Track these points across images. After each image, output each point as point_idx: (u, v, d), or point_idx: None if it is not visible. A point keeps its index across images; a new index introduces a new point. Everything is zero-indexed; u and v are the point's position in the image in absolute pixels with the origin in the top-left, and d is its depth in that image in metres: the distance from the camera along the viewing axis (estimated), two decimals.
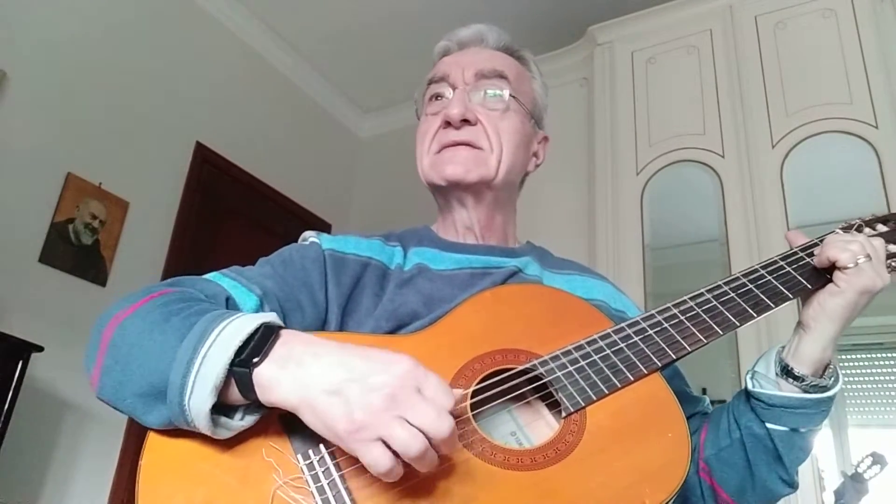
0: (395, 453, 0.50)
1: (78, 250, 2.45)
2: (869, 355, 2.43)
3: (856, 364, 2.41)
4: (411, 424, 0.50)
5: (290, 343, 0.56)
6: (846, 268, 0.70)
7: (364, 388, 0.51)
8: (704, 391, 2.01)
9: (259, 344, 0.55)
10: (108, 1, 2.68)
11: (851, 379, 2.39)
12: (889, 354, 2.39)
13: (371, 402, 0.51)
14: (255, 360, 0.54)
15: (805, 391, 0.71)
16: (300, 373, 0.53)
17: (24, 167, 2.34)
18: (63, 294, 2.37)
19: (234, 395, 0.55)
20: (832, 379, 0.72)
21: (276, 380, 0.53)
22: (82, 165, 2.50)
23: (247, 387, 0.54)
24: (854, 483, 1.82)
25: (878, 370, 2.39)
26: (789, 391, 0.71)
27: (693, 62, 2.44)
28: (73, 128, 2.50)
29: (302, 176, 3.53)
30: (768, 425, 0.71)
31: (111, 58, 2.67)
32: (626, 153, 2.44)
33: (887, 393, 2.35)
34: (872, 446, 1.95)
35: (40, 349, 1.98)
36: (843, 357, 2.42)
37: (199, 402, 0.53)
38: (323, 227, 3.66)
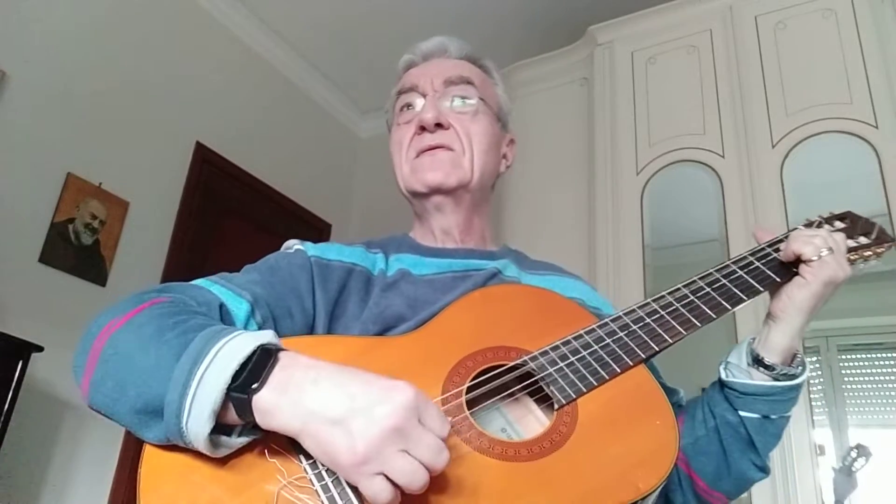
0: (394, 484, 0.50)
1: (78, 250, 2.45)
2: (869, 355, 2.43)
3: (856, 364, 2.41)
4: (413, 457, 0.50)
5: (289, 368, 0.55)
6: (811, 260, 0.74)
7: (368, 420, 0.50)
8: (703, 390, 2.01)
9: (256, 368, 0.54)
10: (108, 1, 2.69)
11: (851, 379, 2.39)
12: (889, 354, 2.39)
13: (374, 435, 0.50)
14: (254, 386, 0.53)
15: (775, 379, 0.75)
16: (301, 399, 0.53)
17: (24, 167, 2.34)
18: (63, 294, 2.37)
19: (232, 416, 0.54)
20: (800, 368, 0.76)
21: (276, 406, 0.53)
22: (82, 165, 2.50)
23: (245, 411, 0.53)
24: (843, 477, 1.83)
25: (878, 370, 2.39)
26: (760, 380, 0.75)
27: (693, 62, 2.44)
28: (73, 128, 2.50)
29: (302, 176, 3.54)
30: (741, 413, 0.75)
31: (111, 58, 2.67)
32: (626, 153, 2.44)
33: (887, 393, 2.34)
34: (871, 443, 1.95)
35: (40, 349, 1.97)
36: (843, 357, 2.42)
37: (196, 426, 0.52)
38: (323, 227, 3.66)
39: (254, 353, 0.55)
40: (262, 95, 3.36)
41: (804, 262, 0.75)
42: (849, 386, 2.38)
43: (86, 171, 2.51)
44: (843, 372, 2.38)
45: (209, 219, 3.04)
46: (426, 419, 0.52)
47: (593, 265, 2.33)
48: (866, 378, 2.40)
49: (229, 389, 0.53)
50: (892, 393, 2.36)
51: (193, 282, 0.71)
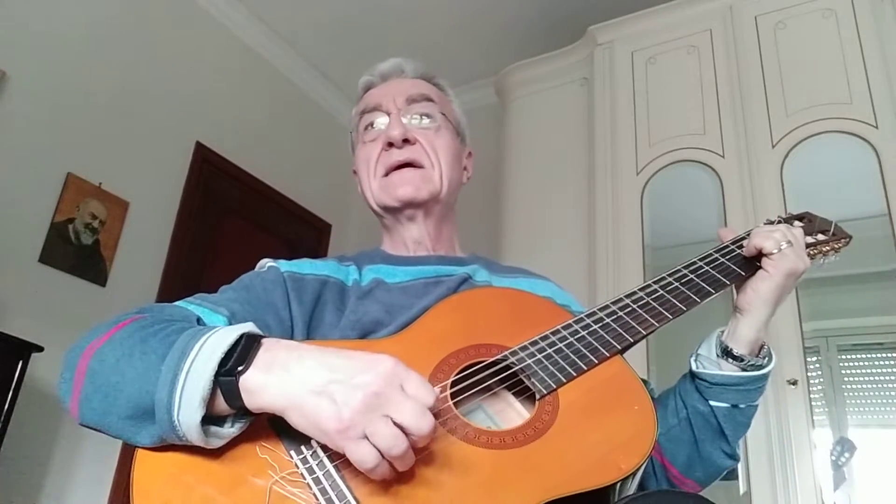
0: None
1: (78, 250, 2.45)
2: (869, 355, 2.42)
3: (856, 364, 2.41)
4: (395, 423, 0.52)
5: (273, 349, 0.57)
6: (772, 254, 0.78)
7: (349, 388, 0.53)
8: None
9: (242, 353, 0.56)
10: (108, 1, 2.69)
11: (851, 379, 2.39)
12: (889, 354, 2.39)
13: (358, 401, 0.53)
14: (241, 368, 0.55)
15: (744, 370, 0.79)
16: (286, 376, 0.55)
17: (24, 167, 2.34)
18: (63, 294, 2.37)
19: (221, 405, 0.56)
20: (766, 359, 0.80)
21: (262, 384, 0.55)
22: (82, 165, 2.50)
23: (233, 395, 0.55)
24: (832, 472, 1.85)
25: (878, 370, 2.39)
26: (730, 370, 0.79)
27: (693, 62, 2.44)
28: (73, 128, 2.51)
29: (302, 176, 3.54)
30: (711, 403, 0.79)
31: (111, 58, 2.67)
32: (626, 153, 2.44)
33: (887, 393, 2.34)
34: (868, 442, 1.96)
35: (40, 349, 1.98)
36: (843, 357, 2.42)
37: (188, 416, 0.54)
38: (323, 227, 3.66)
39: (238, 340, 0.57)
40: (261, 95, 3.36)
41: (766, 255, 0.79)
42: (849, 386, 2.38)
43: (86, 171, 2.51)
44: (843, 372, 2.38)
45: (209, 219, 3.04)
46: (408, 387, 0.55)
47: (593, 265, 2.33)
48: (866, 378, 2.40)
49: (217, 375, 0.54)
50: (892, 393, 2.36)
51: (172, 303, 0.74)
